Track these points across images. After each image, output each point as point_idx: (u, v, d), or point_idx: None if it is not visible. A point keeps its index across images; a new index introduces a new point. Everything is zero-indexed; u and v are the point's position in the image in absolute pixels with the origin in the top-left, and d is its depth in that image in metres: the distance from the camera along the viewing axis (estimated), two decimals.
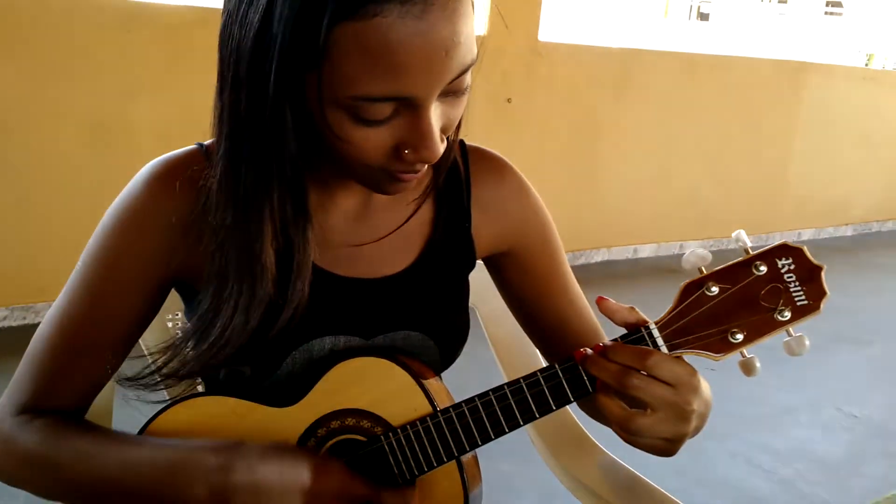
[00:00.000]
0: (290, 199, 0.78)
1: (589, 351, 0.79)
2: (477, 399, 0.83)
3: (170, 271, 0.88)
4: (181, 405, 0.89)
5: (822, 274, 0.74)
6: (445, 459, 0.85)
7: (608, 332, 0.90)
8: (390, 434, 0.86)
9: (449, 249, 0.95)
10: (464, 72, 0.70)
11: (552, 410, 0.82)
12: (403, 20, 0.64)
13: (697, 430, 0.82)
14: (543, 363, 1.23)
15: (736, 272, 0.75)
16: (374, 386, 0.87)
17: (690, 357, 0.78)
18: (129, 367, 0.91)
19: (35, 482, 0.88)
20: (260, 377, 0.88)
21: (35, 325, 0.90)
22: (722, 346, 0.76)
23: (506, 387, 0.82)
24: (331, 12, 0.64)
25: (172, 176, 0.85)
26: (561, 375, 0.81)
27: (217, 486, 0.79)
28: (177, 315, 1.18)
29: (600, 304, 0.80)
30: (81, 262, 0.88)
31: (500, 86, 4.19)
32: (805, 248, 0.74)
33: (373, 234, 0.92)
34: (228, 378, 0.90)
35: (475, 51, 0.70)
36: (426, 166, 0.77)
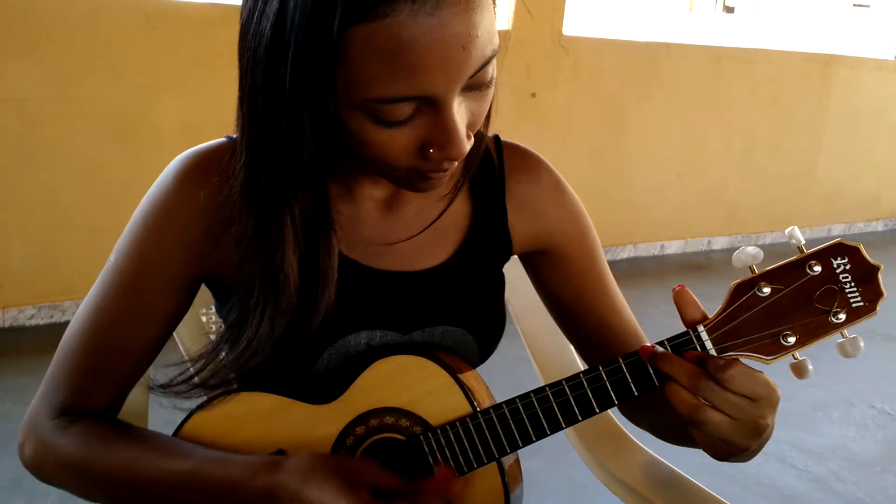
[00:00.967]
0: (311, 207, 0.77)
1: (658, 348, 0.77)
2: (518, 400, 0.82)
3: (199, 266, 0.87)
4: (220, 400, 0.88)
5: (879, 274, 0.72)
6: (486, 461, 0.84)
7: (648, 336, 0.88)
8: (430, 434, 0.85)
9: (486, 243, 0.94)
10: (485, 64, 0.68)
11: (614, 405, 0.80)
12: (415, 18, 0.62)
13: (760, 450, 0.79)
14: (577, 358, 1.22)
15: (789, 272, 0.73)
16: (413, 385, 0.86)
17: None
18: (163, 375, 0.90)
19: (74, 486, 0.88)
20: (296, 373, 0.87)
21: (62, 324, 0.89)
22: (773, 348, 0.74)
23: (547, 388, 0.81)
24: (341, 16, 0.62)
25: (201, 170, 0.85)
26: (625, 370, 0.78)
27: None
28: (210, 309, 1.17)
29: (679, 291, 0.77)
30: (113, 258, 0.87)
31: (524, 80, 4.16)
32: (861, 247, 0.72)
33: (405, 225, 0.91)
34: (265, 374, 0.89)
35: (496, 41, 0.68)
36: (454, 163, 0.75)
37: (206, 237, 0.84)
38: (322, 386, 0.88)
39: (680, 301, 0.77)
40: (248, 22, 0.69)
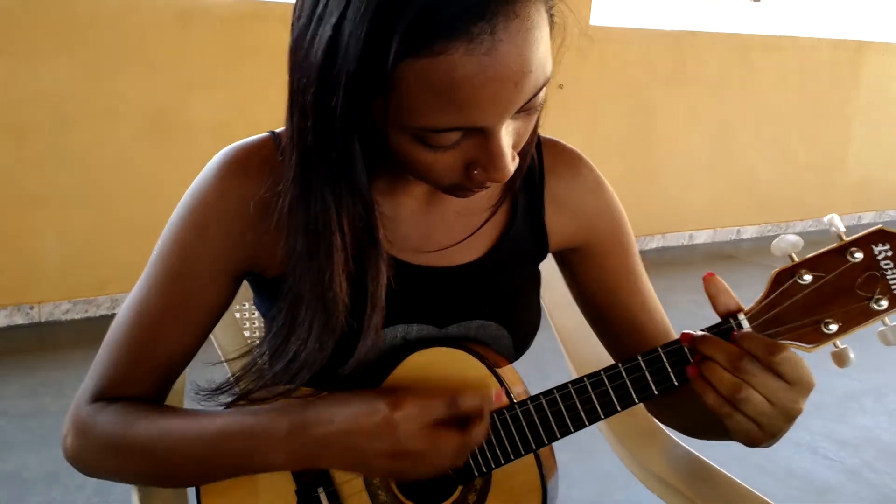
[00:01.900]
0: (361, 229, 0.77)
1: (698, 332, 0.76)
2: (556, 391, 0.82)
3: (242, 260, 0.88)
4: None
5: None
6: (523, 453, 0.84)
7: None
8: None
9: (523, 239, 0.94)
10: (536, 93, 0.68)
11: (653, 395, 0.79)
12: (470, 57, 0.62)
13: (782, 435, 0.79)
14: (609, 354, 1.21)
15: (830, 259, 0.72)
16: (449, 377, 0.86)
17: None
18: (200, 376, 0.91)
19: (114, 465, 0.88)
20: (332, 366, 0.88)
21: (97, 319, 0.91)
22: (815, 336, 0.73)
23: (586, 379, 0.81)
24: (396, 49, 0.62)
25: (245, 164, 0.85)
26: (665, 359, 0.78)
27: (296, 448, 0.80)
28: (244, 306, 1.18)
29: (708, 280, 0.76)
30: (157, 251, 0.88)
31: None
32: None
33: (445, 225, 0.91)
34: None
35: (549, 69, 0.68)
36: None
37: (250, 231, 0.84)
38: (358, 378, 0.88)
39: (711, 290, 0.76)
40: (300, 40, 0.69)
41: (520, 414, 0.83)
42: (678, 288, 3.74)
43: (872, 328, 0.74)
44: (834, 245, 0.72)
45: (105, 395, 0.89)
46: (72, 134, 3.27)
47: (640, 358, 0.79)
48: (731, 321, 0.75)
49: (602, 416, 0.81)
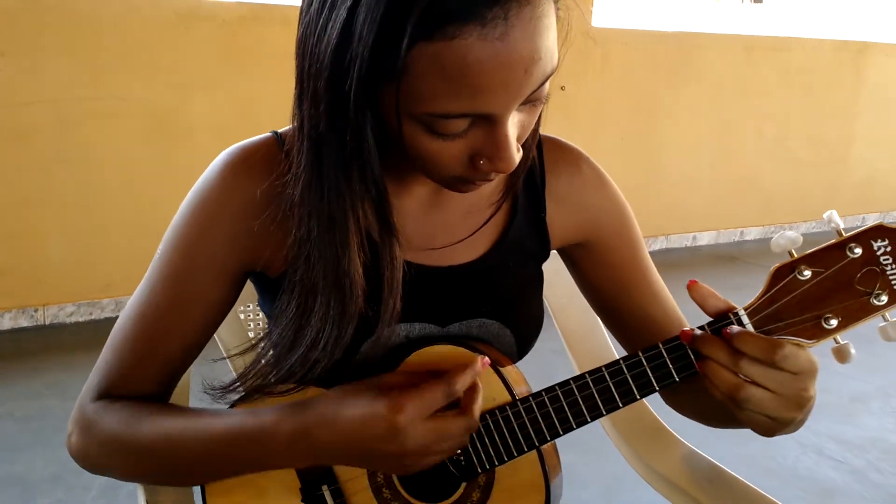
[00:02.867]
0: (375, 215, 0.78)
1: (698, 331, 0.76)
2: (558, 388, 0.82)
3: (246, 259, 0.88)
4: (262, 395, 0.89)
5: None
6: (526, 449, 0.84)
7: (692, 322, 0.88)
8: None
9: (524, 238, 0.94)
10: (543, 83, 0.69)
11: (655, 391, 0.80)
12: (483, 42, 0.63)
13: (803, 423, 0.79)
14: (614, 353, 1.21)
15: (829, 255, 0.72)
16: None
17: None
18: (208, 373, 0.91)
19: (118, 463, 0.89)
20: (335, 366, 0.88)
21: (102, 321, 0.91)
22: (815, 332, 0.73)
23: (588, 375, 0.81)
24: (411, 32, 0.62)
25: (248, 164, 0.86)
26: (665, 355, 0.78)
27: (301, 449, 0.80)
28: (248, 306, 1.19)
29: (692, 287, 0.77)
30: (160, 250, 0.89)
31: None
32: None
33: (448, 225, 0.92)
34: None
35: (556, 59, 0.69)
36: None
37: (254, 230, 0.85)
38: (360, 377, 0.88)
39: (697, 296, 0.77)
40: (312, 27, 0.69)
41: (522, 410, 0.83)
42: (682, 290, 3.73)
43: (873, 325, 0.74)
44: (833, 241, 0.72)
45: (109, 394, 0.90)
46: (74, 135, 3.28)
47: (640, 354, 0.79)
48: (732, 317, 0.75)
49: (604, 412, 0.81)
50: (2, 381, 2.93)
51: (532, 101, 0.70)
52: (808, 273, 0.73)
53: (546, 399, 0.82)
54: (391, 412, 0.77)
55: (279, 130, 0.88)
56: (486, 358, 0.82)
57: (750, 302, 0.75)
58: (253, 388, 0.86)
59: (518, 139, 0.72)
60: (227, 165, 0.87)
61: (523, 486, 0.87)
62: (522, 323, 0.95)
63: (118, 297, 3.45)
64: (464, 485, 0.88)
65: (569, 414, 0.82)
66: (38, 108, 3.19)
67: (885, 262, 0.71)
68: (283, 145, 0.85)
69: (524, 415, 0.83)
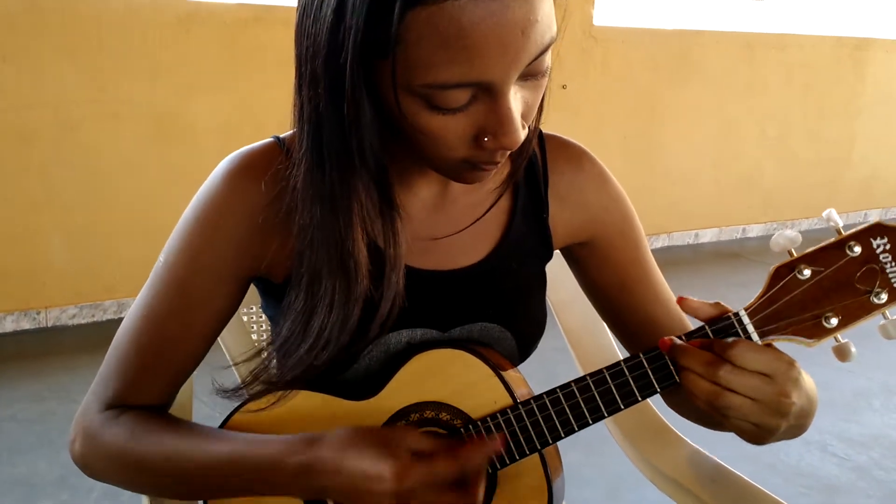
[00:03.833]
0: (376, 192, 0.77)
1: (676, 340, 0.77)
2: (559, 391, 0.82)
3: (250, 265, 0.88)
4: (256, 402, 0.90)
5: None
6: (528, 452, 0.84)
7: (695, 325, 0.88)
8: (470, 427, 0.85)
9: (526, 240, 0.94)
10: (543, 52, 0.68)
11: (637, 401, 0.80)
12: (476, 2, 0.62)
13: (801, 428, 0.79)
14: (618, 352, 1.21)
15: (828, 254, 0.72)
16: (452, 378, 0.86)
17: (781, 344, 0.75)
18: (215, 375, 0.91)
19: (121, 477, 0.89)
20: (337, 372, 0.88)
21: (104, 323, 0.91)
22: (815, 330, 0.73)
23: (588, 378, 0.81)
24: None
25: (251, 169, 0.86)
26: (646, 365, 0.79)
27: (302, 487, 0.80)
28: (251, 309, 1.19)
29: (681, 303, 0.78)
30: (163, 257, 0.89)
31: (554, 72, 4.05)
32: None
33: (450, 225, 0.91)
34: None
35: (555, 29, 0.68)
36: (507, 154, 0.75)
37: (257, 236, 0.85)
38: (362, 384, 0.88)
39: (689, 311, 0.78)
40: (308, 9, 0.69)
41: (524, 414, 0.83)
42: (685, 288, 3.72)
43: (874, 322, 0.74)
44: (832, 239, 0.72)
45: (115, 403, 0.90)
46: (77, 138, 3.28)
47: (642, 356, 0.79)
48: (733, 317, 0.76)
49: (606, 415, 0.81)
50: (5, 384, 2.93)
51: (533, 74, 0.70)
52: (807, 272, 0.73)
53: (547, 401, 0.82)
54: (395, 479, 0.76)
55: (281, 136, 0.88)
56: (502, 438, 0.82)
57: (750, 302, 0.75)
58: (263, 384, 0.86)
59: (523, 117, 0.72)
60: (229, 172, 0.87)
61: (526, 489, 0.87)
62: (524, 325, 0.95)
63: (121, 300, 3.45)
64: None
65: (570, 416, 0.82)
66: (40, 111, 3.20)
67: (884, 261, 0.71)
68: (285, 149, 0.85)
69: (525, 418, 0.83)
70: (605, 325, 1.13)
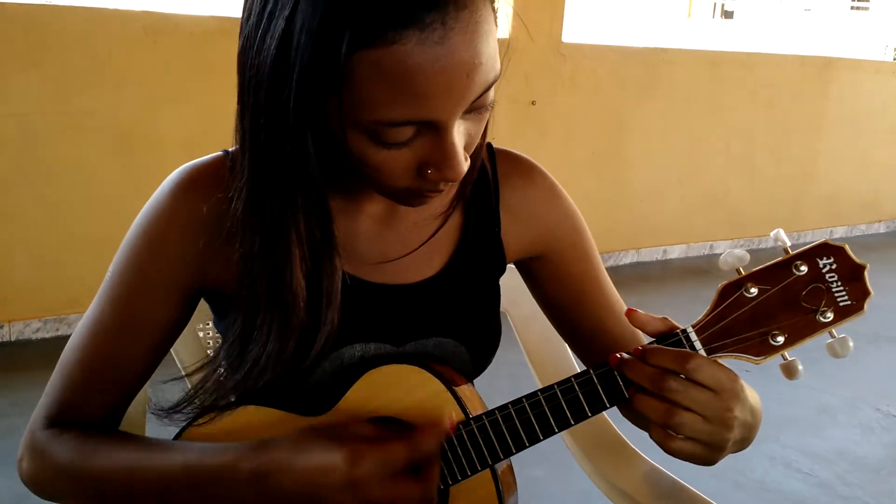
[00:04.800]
0: (315, 226, 0.77)
1: (625, 355, 0.77)
2: (510, 406, 0.82)
3: (197, 278, 0.87)
4: (216, 414, 0.88)
5: (866, 273, 0.72)
6: (479, 468, 0.84)
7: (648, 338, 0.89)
8: None
9: (478, 254, 0.94)
10: (487, 90, 0.69)
11: (588, 417, 0.80)
12: (423, 46, 0.63)
13: (746, 441, 0.80)
14: (577, 367, 1.21)
15: (775, 273, 0.73)
16: (405, 394, 0.86)
17: (729, 361, 0.76)
18: (162, 394, 0.90)
19: (71, 494, 0.88)
20: (290, 386, 0.87)
21: (68, 337, 0.90)
22: (762, 348, 0.74)
23: (539, 393, 0.81)
24: (349, 40, 0.62)
25: (198, 183, 0.85)
26: (596, 381, 0.79)
27: (258, 491, 0.79)
28: (207, 324, 1.18)
29: (630, 315, 0.78)
30: (110, 272, 0.88)
31: (523, 88, 4.17)
32: (847, 247, 0.72)
33: (400, 239, 0.91)
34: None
35: (498, 67, 0.69)
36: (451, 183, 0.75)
37: (204, 250, 0.84)
38: (315, 398, 0.88)
39: (637, 324, 0.79)
40: (251, 39, 0.69)
41: (475, 429, 0.83)
42: (653, 304, 3.76)
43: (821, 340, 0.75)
44: (779, 258, 0.73)
45: (61, 419, 0.88)
46: (40, 150, 3.24)
47: (591, 372, 0.79)
48: (680, 333, 0.76)
49: (556, 430, 0.81)
50: None
51: (477, 108, 0.70)
52: (754, 290, 0.73)
53: (499, 417, 0.82)
54: (348, 464, 0.76)
55: (229, 150, 0.87)
56: (454, 419, 0.81)
57: (698, 319, 0.76)
58: (203, 408, 0.85)
59: (466, 148, 0.72)
60: (174, 185, 0.86)
61: None
62: (478, 340, 0.95)
63: (85, 313, 3.40)
64: None
65: (521, 431, 0.82)
66: (3, 122, 3.16)
67: (830, 280, 0.72)
68: (230, 166, 0.85)
69: (477, 433, 0.83)
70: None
